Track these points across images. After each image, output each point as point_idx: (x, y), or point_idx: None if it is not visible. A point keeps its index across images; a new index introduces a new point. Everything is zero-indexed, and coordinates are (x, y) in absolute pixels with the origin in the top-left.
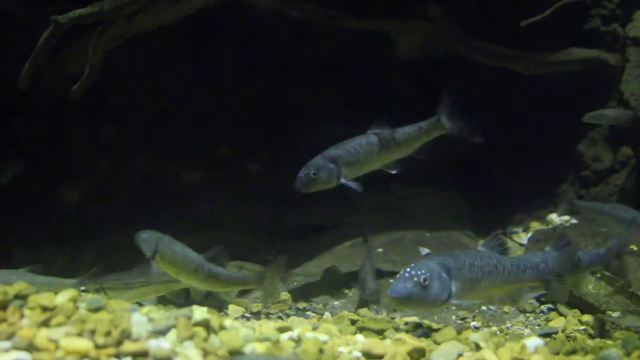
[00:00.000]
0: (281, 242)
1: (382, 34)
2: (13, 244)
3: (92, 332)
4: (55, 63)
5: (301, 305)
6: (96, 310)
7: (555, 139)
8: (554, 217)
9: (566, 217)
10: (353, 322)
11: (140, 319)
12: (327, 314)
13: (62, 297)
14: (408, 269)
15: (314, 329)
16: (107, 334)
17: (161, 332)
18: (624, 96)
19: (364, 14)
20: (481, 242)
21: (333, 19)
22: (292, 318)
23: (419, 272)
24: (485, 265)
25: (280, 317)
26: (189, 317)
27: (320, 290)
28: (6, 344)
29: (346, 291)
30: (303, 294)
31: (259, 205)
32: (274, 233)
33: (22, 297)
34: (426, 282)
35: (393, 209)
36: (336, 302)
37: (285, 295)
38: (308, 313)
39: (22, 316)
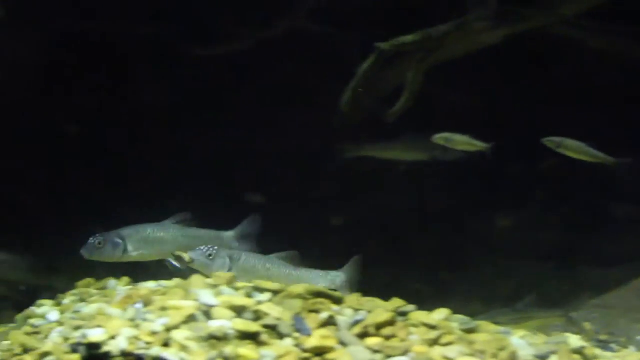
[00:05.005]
0: None
1: None
2: None
3: (482, 353)
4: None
5: (602, 337)
6: (469, 331)
7: None
8: None
9: None
10: None
11: (520, 343)
12: (632, 348)
13: (438, 316)
14: None
15: None
16: (494, 355)
17: (543, 357)
18: None
19: None
20: None
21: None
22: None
23: None
24: None
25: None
26: (567, 344)
27: (620, 322)
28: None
29: None
30: (603, 325)
31: None
32: None
33: (403, 314)
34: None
35: None
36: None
37: (587, 326)
38: (612, 345)
39: (409, 333)
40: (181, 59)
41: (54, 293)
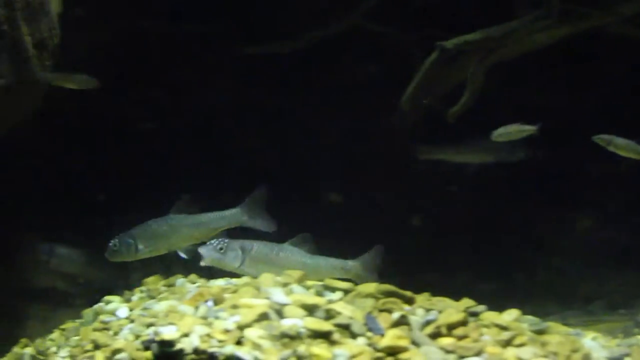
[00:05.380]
0: None
1: None
2: None
3: (555, 354)
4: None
5: None
6: (540, 332)
7: None
8: None
9: None
10: None
11: (593, 345)
12: None
13: (508, 317)
14: None
15: None
16: (568, 357)
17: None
18: None
19: None
20: None
21: None
22: None
23: None
24: None
25: None
26: None
27: None
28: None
29: None
30: None
31: None
32: None
33: (473, 314)
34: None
35: None
36: None
37: None
38: None
39: (481, 333)
40: (239, 58)
41: (122, 289)
